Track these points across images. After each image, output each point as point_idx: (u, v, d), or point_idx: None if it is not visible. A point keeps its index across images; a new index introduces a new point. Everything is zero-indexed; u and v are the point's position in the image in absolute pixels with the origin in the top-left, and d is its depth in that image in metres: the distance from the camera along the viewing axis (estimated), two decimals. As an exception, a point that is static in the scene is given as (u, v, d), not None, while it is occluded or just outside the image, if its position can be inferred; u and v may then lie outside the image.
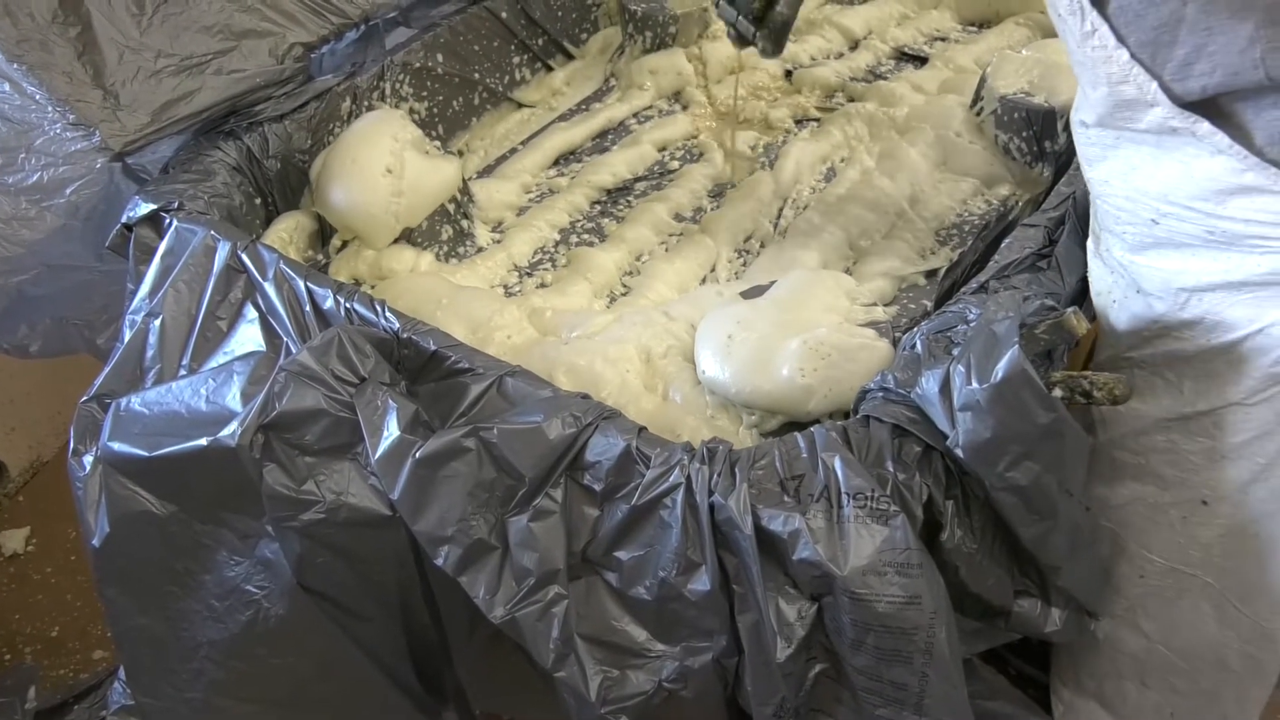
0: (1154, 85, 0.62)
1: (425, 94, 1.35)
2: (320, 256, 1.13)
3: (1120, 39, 0.62)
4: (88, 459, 0.90)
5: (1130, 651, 0.85)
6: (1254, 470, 0.72)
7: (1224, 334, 0.68)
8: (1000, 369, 0.63)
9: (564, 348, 0.94)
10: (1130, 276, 0.73)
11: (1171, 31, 0.60)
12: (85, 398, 0.94)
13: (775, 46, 0.92)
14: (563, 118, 1.43)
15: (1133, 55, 0.62)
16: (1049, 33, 1.44)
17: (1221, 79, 0.59)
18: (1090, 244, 0.79)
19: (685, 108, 1.42)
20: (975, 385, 0.64)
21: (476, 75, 1.42)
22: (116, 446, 0.86)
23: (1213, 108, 0.61)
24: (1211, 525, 0.76)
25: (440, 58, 1.36)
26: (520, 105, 1.47)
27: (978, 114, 1.22)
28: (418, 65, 1.33)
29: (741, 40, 0.94)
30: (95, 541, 0.89)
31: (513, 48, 1.47)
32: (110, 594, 0.91)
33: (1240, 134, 0.61)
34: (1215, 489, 0.75)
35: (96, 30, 1.07)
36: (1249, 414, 0.70)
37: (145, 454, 0.84)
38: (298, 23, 1.19)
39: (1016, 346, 0.62)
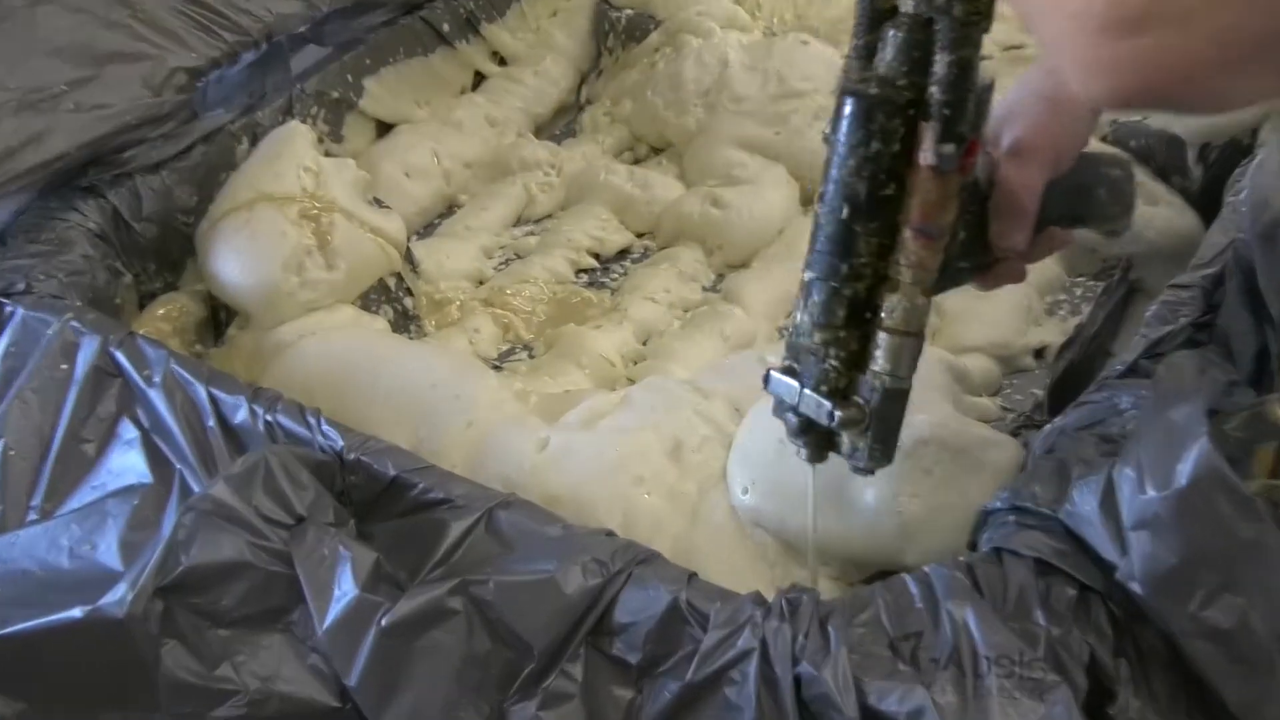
0: None
1: (345, 132, 1.36)
2: (215, 350, 1.11)
3: None
4: (-103, 640, 0.87)
5: None
6: None
7: None
8: (1186, 469, 0.62)
9: (537, 460, 0.90)
10: None
11: None
12: (-104, 555, 0.91)
13: (884, 453, 0.72)
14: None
15: None
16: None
17: None
18: None
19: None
20: (1151, 493, 0.63)
21: (411, 104, 1.43)
22: (-58, 622, 0.83)
23: None
24: None
25: (365, 84, 1.37)
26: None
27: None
28: (336, 95, 1.34)
29: (813, 441, 0.73)
30: (-92, 758, 0.85)
31: (458, 69, 1.49)
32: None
33: None
34: None
35: (-89, 58, 1.07)
36: None
37: (-14, 632, 0.81)
38: (180, 42, 1.19)
39: (1206, 437, 0.62)
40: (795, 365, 0.71)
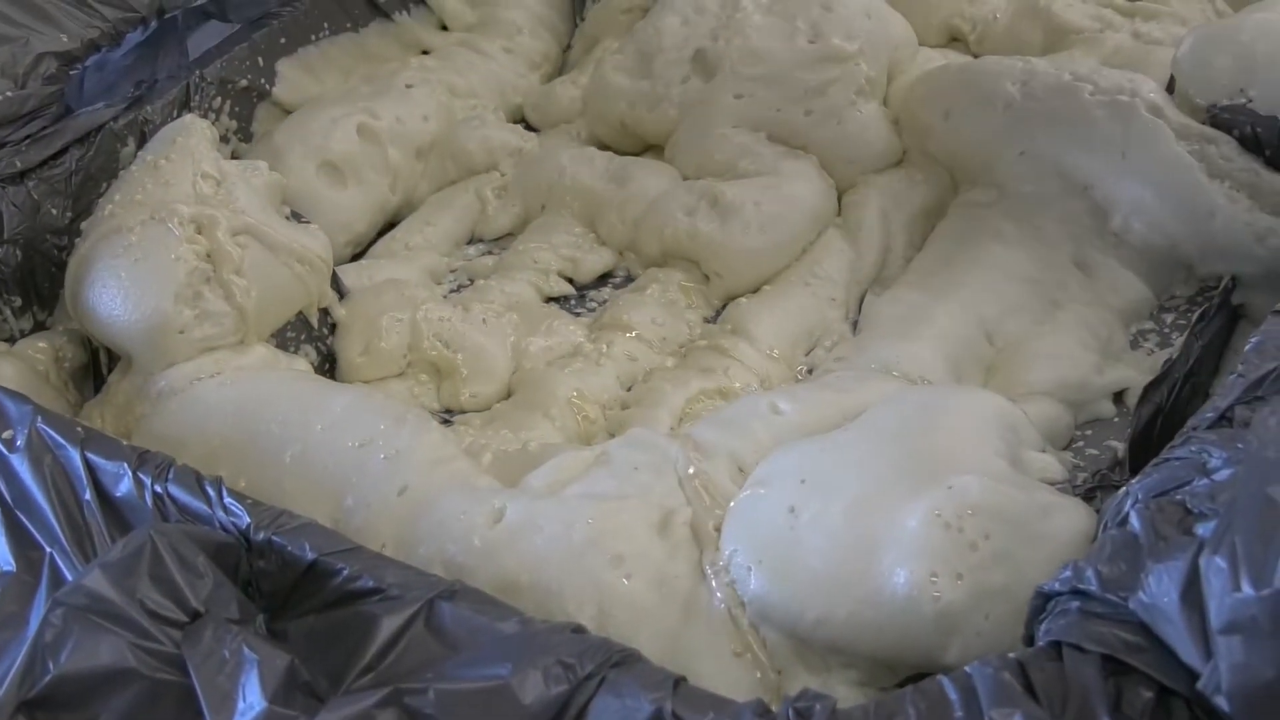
0: None
1: (256, 128, 1.37)
2: (88, 404, 1.12)
3: None
4: None
5: None
6: None
7: None
8: (1291, 560, 0.63)
9: (489, 535, 0.90)
10: None
11: None
12: None
13: None
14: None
15: None
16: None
17: None
18: None
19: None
20: (1248, 591, 0.64)
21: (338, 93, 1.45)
22: None
23: None
24: None
25: (279, 68, 1.39)
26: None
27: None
28: (243, 83, 1.35)
29: None
30: None
31: (398, 49, 1.51)
32: None
33: None
34: None
35: None
36: None
37: None
38: (48, 19, 1.21)
39: (1315, 522, 0.63)
40: None
